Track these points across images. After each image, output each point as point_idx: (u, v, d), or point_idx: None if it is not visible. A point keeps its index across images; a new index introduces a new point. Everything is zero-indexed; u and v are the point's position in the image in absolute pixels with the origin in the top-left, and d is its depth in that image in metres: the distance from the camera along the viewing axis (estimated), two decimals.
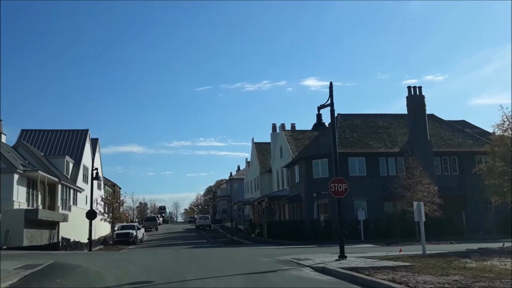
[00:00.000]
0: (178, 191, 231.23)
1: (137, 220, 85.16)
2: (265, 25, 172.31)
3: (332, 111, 17.24)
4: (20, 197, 31.87)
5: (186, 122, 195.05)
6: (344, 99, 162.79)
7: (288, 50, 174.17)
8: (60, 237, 32.09)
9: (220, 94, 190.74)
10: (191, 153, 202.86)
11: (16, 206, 30.68)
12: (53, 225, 35.90)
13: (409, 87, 41.43)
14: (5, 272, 14.03)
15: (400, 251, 18.30)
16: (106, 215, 40.71)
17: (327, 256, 17.62)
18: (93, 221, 42.87)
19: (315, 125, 17.61)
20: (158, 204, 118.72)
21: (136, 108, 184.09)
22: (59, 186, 38.24)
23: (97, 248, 39.04)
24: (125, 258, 21.34)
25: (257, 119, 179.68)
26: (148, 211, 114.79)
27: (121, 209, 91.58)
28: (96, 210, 35.50)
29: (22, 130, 49.32)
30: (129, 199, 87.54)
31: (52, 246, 29.51)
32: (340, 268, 13.24)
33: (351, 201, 34.96)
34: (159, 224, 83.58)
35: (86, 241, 40.17)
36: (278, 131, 55.58)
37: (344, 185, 16.77)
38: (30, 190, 33.97)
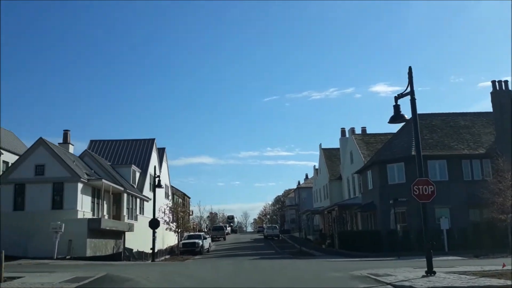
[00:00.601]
0: (247, 201, 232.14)
1: (206, 229, 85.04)
2: (333, 32, 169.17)
3: (413, 100, 14.77)
4: (84, 206, 31.61)
5: (253, 132, 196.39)
6: (418, 103, 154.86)
7: (356, 56, 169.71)
8: (122, 247, 31.32)
9: (287, 104, 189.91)
10: (259, 163, 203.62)
11: (80, 216, 30.37)
12: (118, 235, 35.47)
13: (493, 81, 37.35)
14: (50, 285, 12.89)
15: (503, 266, 15.25)
16: (171, 224, 39.78)
17: (410, 271, 15.05)
18: (161, 231, 42.43)
19: (392, 118, 15.11)
20: (227, 214, 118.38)
21: (205, 120, 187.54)
22: (125, 195, 37.90)
23: (162, 258, 38.25)
24: (184, 270, 19.83)
25: (325, 127, 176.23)
26: (218, 220, 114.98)
27: (190, 219, 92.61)
28: (159, 219, 34.63)
29: (91, 141, 50.14)
30: (196, 208, 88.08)
31: (115, 257, 28.78)
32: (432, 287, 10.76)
33: (432, 209, 31.48)
34: (227, 233, 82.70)
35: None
36: (347, 135, 52.82)
37: (431, 187, 14.17)
38: (95, 199, 33.73)
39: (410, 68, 14.77)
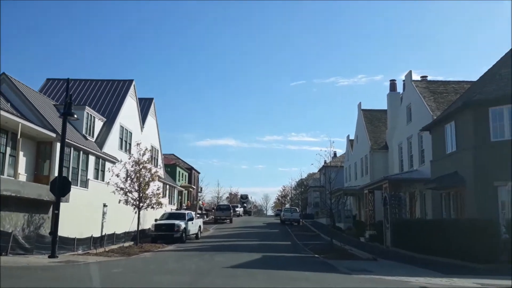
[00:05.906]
0: (270, 185, 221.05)
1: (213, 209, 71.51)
2: (362, 18, 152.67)
3: None
4: None
5: (278, 116, 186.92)
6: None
7: (385, 43, 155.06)
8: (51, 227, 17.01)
9: (315, 89, 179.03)
10: (284, 147, 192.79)
11: None
12: (40, 207, 21.94)
13: None
14: None
15: None
16: (130, 195, 25.66)
17: None
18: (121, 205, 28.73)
19: None
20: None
21: (231, 102, 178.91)
22: (57, 145, 24.12)
23: (116, 246, 24.77)
24: None
25: (353, 115, 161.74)
26: (238, 201, 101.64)
27: (205, 199, 79.56)
28: (71, 180, 21.09)
29: (47, 79, 36.85)
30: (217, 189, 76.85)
31: None
32: None
33: None
34: (239, 215, 68.84)
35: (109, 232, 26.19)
36: (400, 90, 38.54)
37: None
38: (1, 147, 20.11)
39: None
